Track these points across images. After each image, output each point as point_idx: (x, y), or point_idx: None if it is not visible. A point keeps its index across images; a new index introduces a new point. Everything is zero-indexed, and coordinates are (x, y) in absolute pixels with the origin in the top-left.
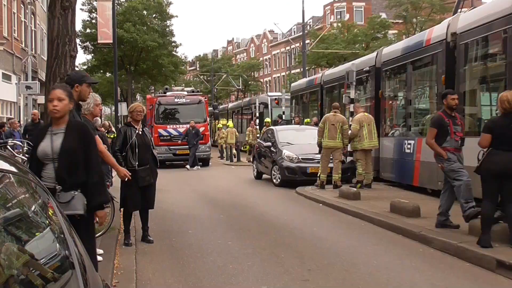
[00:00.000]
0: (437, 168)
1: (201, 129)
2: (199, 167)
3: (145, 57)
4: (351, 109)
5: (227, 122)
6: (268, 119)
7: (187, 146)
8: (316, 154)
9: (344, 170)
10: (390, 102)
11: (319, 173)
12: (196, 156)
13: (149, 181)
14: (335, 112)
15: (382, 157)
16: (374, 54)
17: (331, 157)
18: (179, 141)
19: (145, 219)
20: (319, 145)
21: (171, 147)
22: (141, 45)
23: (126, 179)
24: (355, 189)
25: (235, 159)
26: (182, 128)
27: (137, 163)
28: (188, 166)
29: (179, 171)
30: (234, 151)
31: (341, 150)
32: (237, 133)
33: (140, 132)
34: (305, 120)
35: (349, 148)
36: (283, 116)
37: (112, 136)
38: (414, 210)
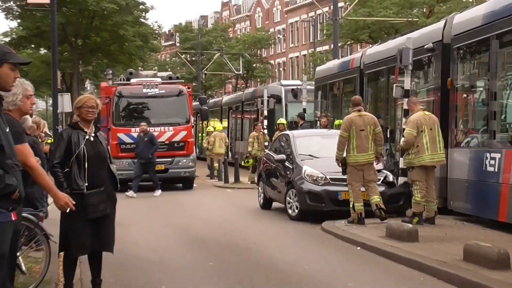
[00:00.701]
0: None
1: (182, 134)
2: (159, 192)
3: (99, 25)
4: (405, 106)
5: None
6: (282, 120)
7: (161, 160)
8: None
9: (392, 197)
10: (465, 95)
11: (351, 202)
12: (155, 175)
13: (104, 211)
14: (359, 110)
15: (451, 179)
16: (441, 23)
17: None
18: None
19: (97, 268)
20: (342, 162)
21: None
22: (93, 7)
23: (68, 210)
24: (410, 225)
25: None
26: (154, 132)
27: (86, 184)
28: (128, 193)
29: (148, 196)
30: (222, 166)
31: (374, 165)
32: (226, 139)
33: (92, 138)
34: (336, 122)
35: (401, 165)
36: (305, 115)
37: (49, 142)
38: (500, 258)
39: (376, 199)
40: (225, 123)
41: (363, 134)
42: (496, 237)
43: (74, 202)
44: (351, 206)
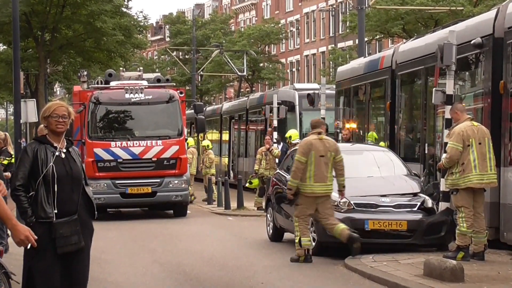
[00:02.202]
0: None
1: (173, 150)
2: None
3: (71, 16)
4: (447, 115)
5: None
6: (294, 132)
7: (148, 181)
8: (382, 196)
9: (431, 226)
10: None
11: (297, 237)
12: None
13: (77, 245)
14: (319, 133)
15: (504, 204)
16: (492, 13)
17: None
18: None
19: None
20: (295, 193)
21: (118, 180)
22: None
23: (29, 246)
24: (454, 261)
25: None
26: (138, 147)
27: (55, 211)
28: None
29: (132, 224)
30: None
31: (331, 199)
32: (214, 158)
33: (63, 155)
34: (369, 134)
35: (442, 187)
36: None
37: (6, 162)
38: None
39: (307, 241)
40: (225, 136)
41: (322, 160)
42: None
43: (36, 237)
44: (296, 241)
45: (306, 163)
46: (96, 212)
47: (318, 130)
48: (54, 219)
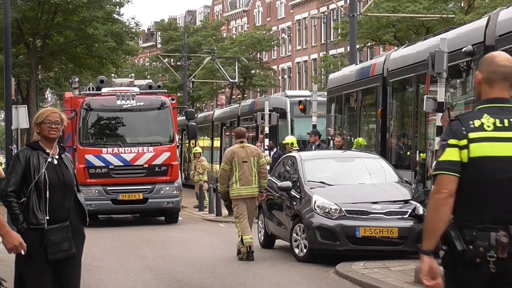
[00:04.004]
0: None
1: (164, 156)
2: None
3: (63, 22)
4: (438, 122)
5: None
6: (292, 138)
7: (139, 187)
8: (373, 203)
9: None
10: None
11: (239, 236)
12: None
13: (68, 252)
14: (241, 142)
15: None
16: (483, 21)
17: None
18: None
19: None
20: (225, 197)
21: (109, 187)
22: (56, 0)
23: (21, 252)
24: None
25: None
26: (130, 154)
27: (47, 217)
28: None
29: (123, 230)
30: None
31: (257, 200)
32: (208, 165)
33: (56, 161)
34: (356, 140)
35: None
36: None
37: None
38: None
39: (249, 239)
40: (217, 143)
41: (246, 166)
42: None
43: (25, 245)
44: (239, 240)
45: (231, 170)
46: (87, 219)
47: (241, 140)
48: (46, 226)
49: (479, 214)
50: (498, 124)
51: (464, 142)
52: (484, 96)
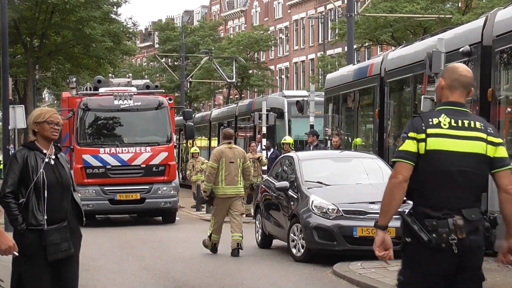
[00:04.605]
0: None
1: (162, 156)
2: None
3: (60, 22)
4: None
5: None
6: (289, 139)
7: (136, 187)
8: (371, 203)
9: None
10: (510, 109)
11: (209, 232)
12: None
13: (68, 252)
14: (229, 143)
15: (492, 212)
16: (481, 21)
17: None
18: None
19: None
20: (209, 195)
21: (106, 187)
22: (53, 0)
23: (13, 254)
24: None
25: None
26: (127, 154)
27: (46, 217)
28: None
29: (121, 230)
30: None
31: (242, 199)
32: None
33: (53, 161)
34: (355, 141)
35: None
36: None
37: None
38: None
39: (237, 237)
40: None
41: (232, 166)
42: None
43: (17, 247)
44: (208, 235)
45: (218, 168)
46: (84, 219)
47: (229, 141)
48: (46, 227)
49: (437, 202)
50: (453, 124)
51: (422, 136)
52: (444, 99)
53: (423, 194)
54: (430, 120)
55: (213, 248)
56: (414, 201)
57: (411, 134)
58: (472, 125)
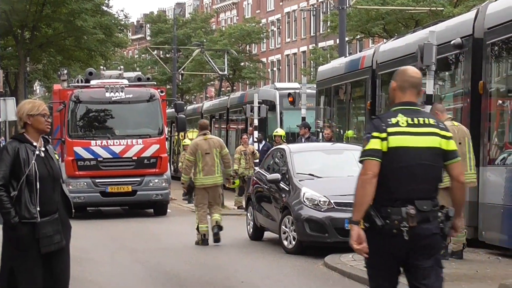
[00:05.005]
0: None
1: (153, 149)
2: None
3: (51, 14)
4: None
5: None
6: (280, 131)
7: (128, 179)
8: None
9: None
10: (500, 101)
11: (196, 224)
12: None
13: (60, 244)
14: (205, 134)
15: (483, 204)
16: (472, 14)
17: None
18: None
19: None
20: (189, 186)
21: (98, 179)
22: None
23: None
24: None
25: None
26: (119, 146)
27: (38, 209)
28: None
29: (112, 223)
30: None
31: (221, 187)
32: None
33: (43, 154)
34: (346, 133)
35: None
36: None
37: None
38: None
39: (216, 217)
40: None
41: (208, 157)
42: None
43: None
44: (196, 227)
45: (195, 160)
46: (73, 210)
47: (204, 131)
48: (39, 219)
49: (394, 194)
50: (410, 122)
51: (384, 135)
52: (398, 100)
53: (385, 187)
54: (388, 120)
55: (204, 240)
56: (376, 194)
57: (374, 134)
58: (427, 121)
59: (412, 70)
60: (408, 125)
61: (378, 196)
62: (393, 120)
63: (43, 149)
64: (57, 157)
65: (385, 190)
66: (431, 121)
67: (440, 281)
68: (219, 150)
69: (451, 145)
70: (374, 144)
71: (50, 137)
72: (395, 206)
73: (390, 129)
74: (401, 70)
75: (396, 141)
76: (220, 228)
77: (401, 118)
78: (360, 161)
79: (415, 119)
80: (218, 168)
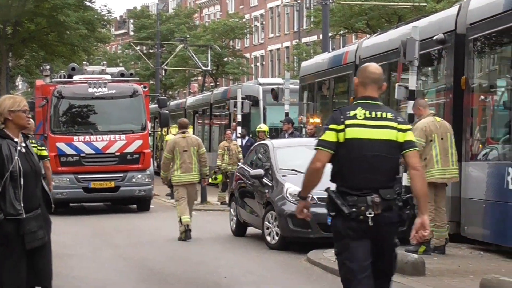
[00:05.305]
0: None
1: (136, 144)
2: None
3: (34, 9)
4: (410, 110)
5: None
6: (263, 127)
7: (111, 175)
8: None
9: None
10: (482, 97)
11: (178, 217)
12: None
13: (43, 239)
14: (183, 132)
15: (465, 199)
16: (454, 9)
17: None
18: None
19: None
20: (168, 183)
21: (80, 175)
22: None
23: None
24: (415, 255)
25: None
26: (102, 142)
27: (23, 205)
28: None
29: (95, 219)
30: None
31: (197, 186)
32: None
33: (24, 149)
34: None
35: (405, 181)
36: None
37: None
38: None
39: (186, 219)
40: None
41: (186, 155)
42: None
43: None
44: (178, 220)
45: (173, 158)
46: (53, 205)
47: (183, 130)
48: (24, 215)
49: (356, 183)
50: (367, 115)
51: (341, 127)
52: (359, 94)
53: (344, 176)
54: (347, 112)
55: (186, 231)
56: (337, 182)
57: (331, 126)
58: (384, 115)
59: (373, 66)
60: (366, 118)
61: (340, 187)
62: (352, 113)
63: (23, 144)
64: (46, 153)
65: (344, 180)
66: (389, 115)
67: (394, 261)
68: (197, 149)
69: (408, 136)
70: (329, 136)
71: (32, 133)
72: (361, 196)
73: (347, 121)
74: (363, 67)
75: (352, 133)
76: (189, 230)
77: (360, 112)
78: (315, 149)
79: (373, 113)
80: (195, 166)
